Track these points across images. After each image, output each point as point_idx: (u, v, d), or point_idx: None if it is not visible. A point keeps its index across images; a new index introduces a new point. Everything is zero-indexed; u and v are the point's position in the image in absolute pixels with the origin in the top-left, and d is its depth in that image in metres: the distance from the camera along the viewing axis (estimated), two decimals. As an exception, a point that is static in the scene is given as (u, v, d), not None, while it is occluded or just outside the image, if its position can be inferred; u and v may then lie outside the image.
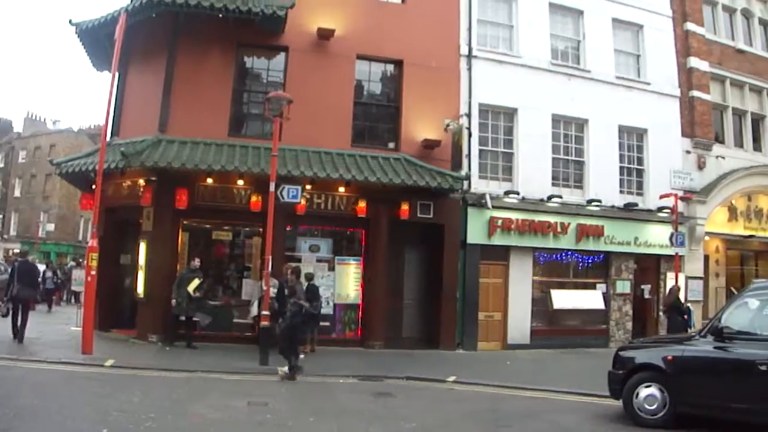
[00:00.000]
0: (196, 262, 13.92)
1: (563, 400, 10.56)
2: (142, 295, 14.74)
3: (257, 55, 16.26)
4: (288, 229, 15.27)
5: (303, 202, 14.26)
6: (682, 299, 16.24)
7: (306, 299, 12.43)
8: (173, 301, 13.58)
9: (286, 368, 11.13)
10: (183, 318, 13.79)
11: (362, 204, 15.14)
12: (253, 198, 14.39)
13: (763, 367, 7.62)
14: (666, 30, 20.27)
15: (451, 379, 11.89)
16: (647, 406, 8.48)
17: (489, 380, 11.87)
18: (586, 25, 18.94)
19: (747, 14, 22.80)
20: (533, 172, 17.25)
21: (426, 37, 16.60)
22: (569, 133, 18.20)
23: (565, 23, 18.94)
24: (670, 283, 17.80)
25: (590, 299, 18.10)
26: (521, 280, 17.09)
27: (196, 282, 13.64)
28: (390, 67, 16.84)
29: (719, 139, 20.97)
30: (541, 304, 17.48)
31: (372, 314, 15.49)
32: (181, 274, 13.93)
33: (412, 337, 16.30)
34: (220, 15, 14.45)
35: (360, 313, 15.85)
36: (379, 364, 13.29)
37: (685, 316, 15.51)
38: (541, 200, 17.11)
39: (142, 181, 14.55)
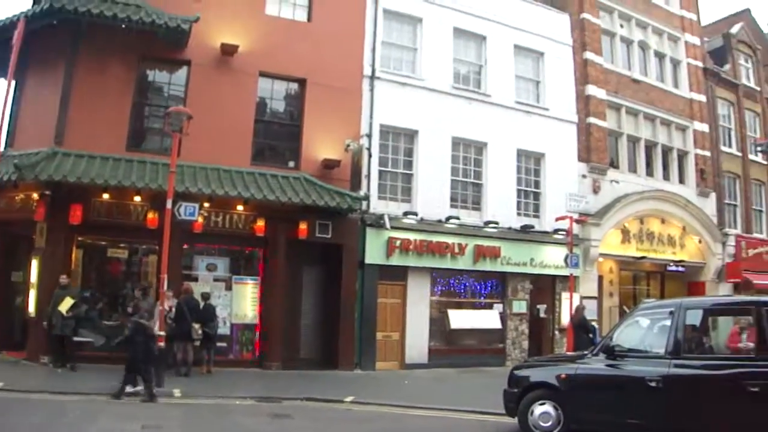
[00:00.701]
0: (64, 279, 13.91)
1: (461, 419, 11.24)
2: (33, 315, 14.53)
3: (159, 69, 16.61)
4: (185, 247, 15.64)
5: (200, 220, 14.67)
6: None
7: (202, 319, 12.91)
8: (46, 322, 13.58)
9: (140, 387, 11.29)
10: (63, 337, 13.62)
11: (261, 223, 15.81)
12: (150, 215, 14.68)
13: (653, 384, 8.24)
14: (566, 58, 22.21)
15: (349, 399, 12.40)
16: (542, 424, 9.05)
17: (387, 400, 12.50)
18: (488, 51, 20.54)
19: (643, 46, 25.18)
20: (432, 194, 18.48)
21: (330, 56, 17.50)
22: (468, 155, 19.65)
23: (468, 48, 20.45)
24: (565, 303, 19.40)
25: (487, 319, 19.44)
26: (419, 300, 18.19)
27: (69, 301, 13.54)
28: (293, 86, 17.61)
29: (614, 164, 23.09)
30: (438, 324, 18.58)
31: (270, 334, 16.07)
32: (54, 293, 13.82)
33: (311, 357, 16.99)
34: (123, 26, 14.60)
35: (258, 333, 16.40)
36: (277, 385, 13.68)
37: (591, 335, 16.96)
38: (440, 221, 18.32)
39: (35, 195, 14.49)
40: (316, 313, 17.42)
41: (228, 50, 16.30)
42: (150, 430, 9.02)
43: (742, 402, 7.68)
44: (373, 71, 18.22)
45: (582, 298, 20.12)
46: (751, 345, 9.18)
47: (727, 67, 28.86)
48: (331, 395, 12.71)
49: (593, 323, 18.89)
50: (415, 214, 17.92)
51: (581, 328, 17.35)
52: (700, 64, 26.92)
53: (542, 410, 9.10)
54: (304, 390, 13.03)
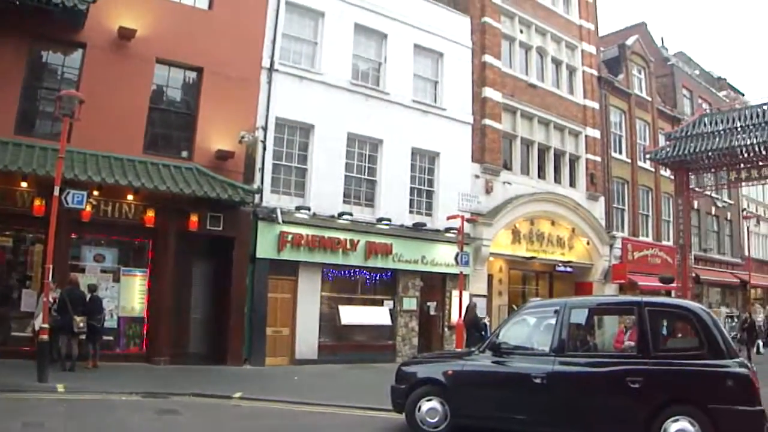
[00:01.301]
0: None
1: (350, 415, 11.61)
2: None
3: (53, 50, 16.37)
4: (73, 236, 15.73)
5: (89, 208, 14.87)
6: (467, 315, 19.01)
7: (88, 311, 13.10)
8: None
9: None
10: None
11: (151, 213, 16.12)
12: (37, 202, 14.58)
13: (538, 380, 8.82)
14: (465, 60, 23.72)
15: (238, 395, 12.65)
16: (429, 419, 9.48)
17: (276, 396, 12.88)
18: (389, 49, 21.66)
19: (542, 52, 27.11)
20: (326, 189, 19.36)
21: (229, 46, 17.87)
22: (364, 152, 20.70)
23: (368, 45, 21.51)
24: (455, 300, 20.71)
25: (377, 315, 20.56)
26: (310, 295, 19.00)
27: None
28: (190, 74, 17.82)
29: (507, 166, 24.85)
30: (329, 320, 19.46)
31: (158, 328, 16.25)
32: None
33: (200, 352, 17.44)
34: (17, 3, 14.20)
35: (145, 327, 16.60)
36: (165, 380, 13.77)
37: (482, 333, 18.25)
38: (332, 217, 19.27)
39: None
40: (205, 307, 17.91)
41: (125, 34, 16.34)
42: (32, 427, 9.03)
43: (624, 398, 8.39)
44: (272, 63, 18.77)
45: (472, 296, 21.62)
46: (632, 343, 10.12)
47: (621, 76, 31.43)
48: (220, 391, 12.94)
49: (485, 321, 20.32)
50: (308, 208, 18.71)
51: (473, 325, 18.60)
52: (595, 72, 29.17)
53: (429, 406, 9.55)
54: (193, 385, 13.17)
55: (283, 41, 19.31)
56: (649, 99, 33.62)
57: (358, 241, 19.61)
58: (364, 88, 20.81)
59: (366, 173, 20.64)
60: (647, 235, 32.57)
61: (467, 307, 19.78)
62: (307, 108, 19.28)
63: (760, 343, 23.23)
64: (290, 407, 12.03)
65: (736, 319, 30.38)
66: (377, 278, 20.68)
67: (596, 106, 28.86)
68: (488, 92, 23.90)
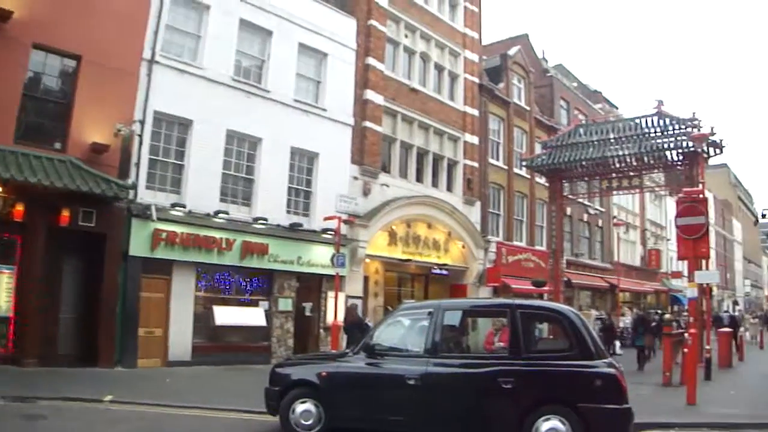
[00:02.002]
0: None
1: (225, 418, 11.88)
2: None
3: None
4: None
5: (-50, 201, 14.65)
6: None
7: None
8: None
9: None
10: None
11: (20, 207, 15.80)
12: None
13: (412, 382, 9.19)
14: (349, 61, 24.87)
15: (109, 398, 12.64)
16: (303, 422, 9.77)
17: (149, 399, 12.93)
18: (273, 46, 22.38)
19: (425, 58, 28.82)
20: (202, 187, 19.75)
21: (110, 35, 17.73)
22: (242, 150, 21.33)
23: (253, 41, 22.13)
24: (330, 302, 21.66)
25: (253, 316, 21.14)
26: (184, 295, 19.29)
27: None
28: (69, 62, 17.52)
29: (386, 169, 26.24)
30: (203, 320, 19.84)
31: (25, 329, 15.96)
32: None
33: (70, 353, 17.16)
34: None
35: (12, 326, 16.17)
36: (32, 383, 13.56)
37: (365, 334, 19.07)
38: (208, 215, 19.69)
39: None
40: (77, 307, 17.74)
41: (1, 15, 15.86)
42: None
43: (497, 398, 8.94)
44: (153, 55, 18.83)
45: (348, 297, 22.67)
46: (502, 344, 11.02)
47: (502, 85, 33.77)
48: (90, 394, 12.87)
49: (368, 322, 21.16)
50: (184, 206, 19.05)
51: (356, 327, 19.36)
52: (476, 80, 31.21)
53: (303, 408, 9.83)
54: (62, 389, 13.10)
55: (166, 33, 19.34)
56: (528, 108, 36.11)
57: (234, 240, 20.13)
58: (246, 85, 21.33)
59: (244, 171, 21.18)
60: (521, 240, 34.98)
61: (347, 309, 20.76)
62: (187, 103, 19.50)
63: (617, 344, 25.58)
64: (163, 410, 12.19)
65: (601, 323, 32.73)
66: (253, 278, 21.26)
67: (476, 113, 30.86)
68: (370, 95, 25.09)
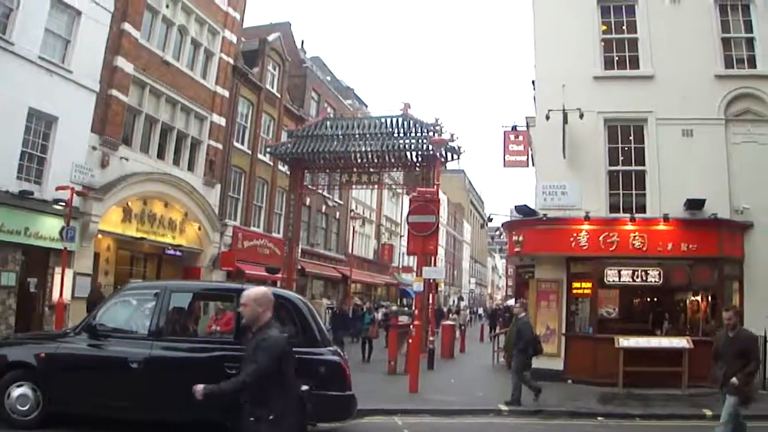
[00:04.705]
0: None
1: None
2: None
3: None
4: None
5: None
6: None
7: None
8: None
9: None
10: None
11: None
12: None
13: (135, 365, 9.16)
14: (103, 23, 24.27)
15: None
16: (20, 407, 9.39)
17: None
18: (25, -6, 21.14)
19: (183, 31, 29.25)
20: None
21: None
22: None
23: (4, -13, 20.86)
24: (57, 277, 20.83)
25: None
26: None
27: None
28: None
29: (127, 142, 26.20)
30: None
31: None
32: None
33: None
34: None
35: None
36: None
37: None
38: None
39: None
40: None
41: None
42: None
43: None
44: None
45: (76, 274, 22.41)
46: (218, 329, 11.76)
47: (256, 70, 34.94)
48: None
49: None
50: None
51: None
52: (231, 61, 32.22)
53: (20, 392, 9.44)
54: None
55: None
56: (279, 96, 37.77)
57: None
58: (-9, 33, 20.15)
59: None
60: (259, 226, 36.55)
61: (92, 289, 20.53)
62: None
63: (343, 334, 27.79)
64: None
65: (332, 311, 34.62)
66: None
67: (226, 94, 31.86)
68: (120, 62, 24.80)
